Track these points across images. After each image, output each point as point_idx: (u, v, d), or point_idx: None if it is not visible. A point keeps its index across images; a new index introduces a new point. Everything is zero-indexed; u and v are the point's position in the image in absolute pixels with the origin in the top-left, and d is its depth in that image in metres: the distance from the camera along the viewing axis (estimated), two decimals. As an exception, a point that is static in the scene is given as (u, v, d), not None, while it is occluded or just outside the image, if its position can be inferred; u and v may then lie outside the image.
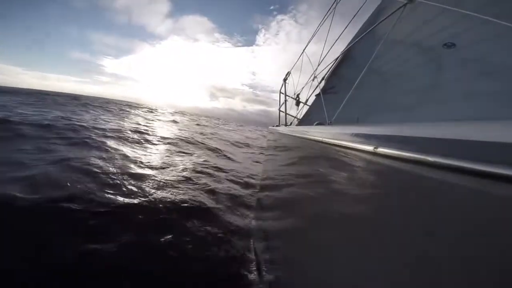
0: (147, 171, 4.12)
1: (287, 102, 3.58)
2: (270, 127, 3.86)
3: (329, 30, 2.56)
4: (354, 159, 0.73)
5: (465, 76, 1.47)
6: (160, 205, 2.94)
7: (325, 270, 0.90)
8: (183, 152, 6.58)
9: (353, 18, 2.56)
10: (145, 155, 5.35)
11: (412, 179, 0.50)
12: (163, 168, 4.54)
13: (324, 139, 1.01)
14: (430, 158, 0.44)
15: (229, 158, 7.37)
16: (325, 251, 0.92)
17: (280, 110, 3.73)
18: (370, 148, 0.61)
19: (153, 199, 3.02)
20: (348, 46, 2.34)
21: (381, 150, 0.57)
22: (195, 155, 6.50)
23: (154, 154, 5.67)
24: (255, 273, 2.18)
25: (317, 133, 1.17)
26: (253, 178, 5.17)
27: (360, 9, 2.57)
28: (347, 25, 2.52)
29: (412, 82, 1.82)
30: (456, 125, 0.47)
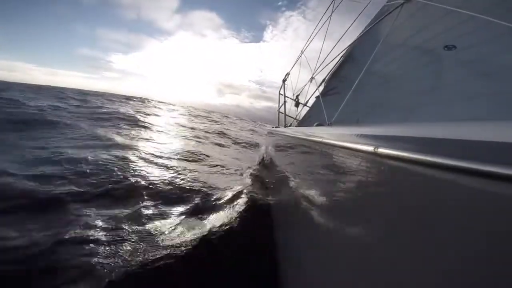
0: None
1: (286, 103, 3.58)
2: (269, 128, 3.86)
3: (326, 31, 2.57)
4: (354, 159, 0.73)
5: (465, 77, 1.47)
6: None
7: (325, 269, 0.90)
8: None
9: (354, 21, 2.57)
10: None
11: (413, 179, 0.50)
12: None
13: (324, 140, 1.01)
14: (430, 158, 0.43)
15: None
16: (326, 251, 0.92)
17: (279, 112, 3.73)
18: (370, 148, 0.61)
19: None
20: (348, 48, 2.35)
21: (382, 150, 0.57)
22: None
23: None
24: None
25: (317, 134, 1.17)
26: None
27: (361, 12, 2.58)
28: (348, 28, 2.53)
29: (413, 83, 1.83)
30: (456, 125, 0.48)
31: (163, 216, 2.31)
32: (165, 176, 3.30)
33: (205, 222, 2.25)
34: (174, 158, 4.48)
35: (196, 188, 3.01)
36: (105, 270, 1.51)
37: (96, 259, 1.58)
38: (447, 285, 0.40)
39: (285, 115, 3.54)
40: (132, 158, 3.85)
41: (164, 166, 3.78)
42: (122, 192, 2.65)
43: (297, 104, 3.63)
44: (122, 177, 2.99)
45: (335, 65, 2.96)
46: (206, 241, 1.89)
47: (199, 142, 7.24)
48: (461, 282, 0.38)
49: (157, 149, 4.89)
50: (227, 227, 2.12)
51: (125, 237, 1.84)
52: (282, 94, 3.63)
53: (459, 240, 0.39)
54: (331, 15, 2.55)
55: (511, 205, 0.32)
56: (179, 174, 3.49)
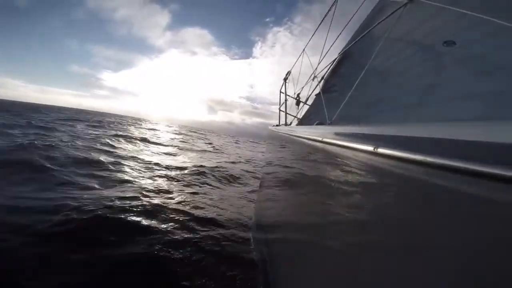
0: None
1: (287, 101, 3.57)
2: (270, 127, 3.85)
3: (328, 30, 2.56)
4: (354, 159, 0.73)
5: (465, 75, 1.47)
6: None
7: (324, 269, 0.90)
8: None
9: (352, 17, 2.56)
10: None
11: (412, 179, 0.50)
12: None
13: (324, 139, 1.01)
14: (430, 158, 0.44)
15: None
16: (325, 250, 0.92)
17: (280, 110, 3.72)
18: (370, 148, 0.61)
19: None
20: (348, 46, 2.34)
21: (381, 150, 0.57)
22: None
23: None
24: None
25: (317, 133, 1.17)
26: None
27: (359, 8, 2.57)
28: (346, 24, 2.52)
29: (413, 81, 1.82)
30: (456, 125, 0.48)
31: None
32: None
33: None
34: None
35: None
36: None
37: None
38: (446, 284, 0.41)
39: (286, 113, 3.53)
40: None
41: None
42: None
43: (298, 102, 3.62)
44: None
45: (335, 62, 2.95)
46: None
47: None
48: (460, 281, 0.39)
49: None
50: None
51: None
52: (283, 93, 3.62)
53: (458, 240, 0.39)
54: (333, 13, 2.54)
55: (511, 205, 0.32)
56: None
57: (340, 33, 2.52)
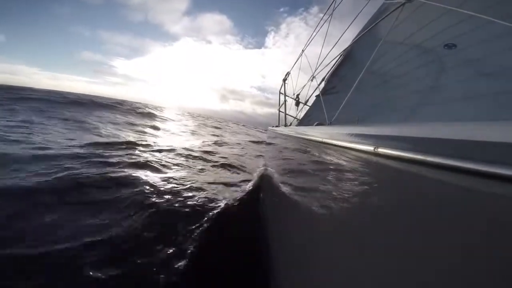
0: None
1: (286, 102, 3.57)
2: (269, 127, 3.85)
3: (327, 30, 2.56)
4: (354, 159, 0.73)
5: (465, 76, 1.47)
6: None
7: (324, 270, 0.90)
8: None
9: (354, 20, 2.56)
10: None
11: (412, 180, 0.50)
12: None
13: (324, 139, 1.01)
14: (430, 158, 0.43)
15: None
16: (325, 251, 0.92)
17: (279, 111, 3.72)
18: (370, 148, 0.61)
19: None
20: (348, 47, 2.34)
21: (382, 150, 0.57)
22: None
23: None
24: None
25: (317, 133, 1.17)
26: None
27: (361, 11, 2.57)
28: (348, 26, 2.53)
29: (413, 82, 1.83)
30: (456, 125, 0.47)
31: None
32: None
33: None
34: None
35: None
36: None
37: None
38: (446, 284, 0.41)
39: (286, 114, 3.53)
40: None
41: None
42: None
43: (297, 103, 3.62)
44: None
45: (335, 64, 2.96)
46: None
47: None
48: (460, 282, 0.38)
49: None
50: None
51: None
52: (282, 93, 3.62)
53: (458, 240, 0.39)
54: (332, 14, 2.54)
55: (511, 205, 0.32)
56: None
57: (342, 35, 2.53)
